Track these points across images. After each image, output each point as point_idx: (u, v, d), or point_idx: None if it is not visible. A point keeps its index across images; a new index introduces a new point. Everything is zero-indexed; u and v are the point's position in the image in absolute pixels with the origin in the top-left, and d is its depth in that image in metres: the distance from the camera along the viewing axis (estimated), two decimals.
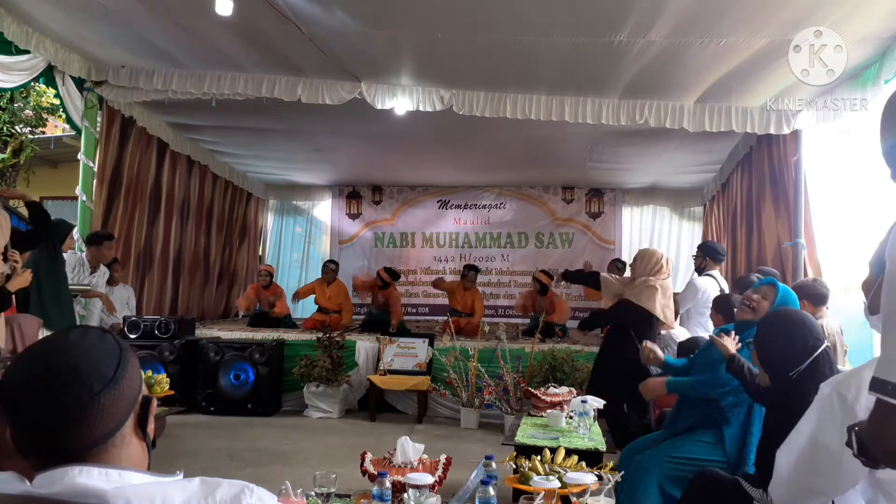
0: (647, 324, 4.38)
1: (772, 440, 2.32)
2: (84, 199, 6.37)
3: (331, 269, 8.32)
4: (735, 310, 4.28)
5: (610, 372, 4.50)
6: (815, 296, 3.92)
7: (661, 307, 4.41)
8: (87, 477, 0.96)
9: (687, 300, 5.31)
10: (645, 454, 2.95)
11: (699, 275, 5.48)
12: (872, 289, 1.58)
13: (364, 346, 6.85)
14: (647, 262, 4.53)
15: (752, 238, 6.85)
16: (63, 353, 1.01)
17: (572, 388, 4.37)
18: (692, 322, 5.24)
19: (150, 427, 1.07)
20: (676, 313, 4.84)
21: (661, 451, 2.91)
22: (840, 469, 1.32)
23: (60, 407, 0.96)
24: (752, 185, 6.89)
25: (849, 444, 1.24)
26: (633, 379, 3.71)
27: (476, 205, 10.61)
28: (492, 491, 2.03)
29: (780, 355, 2.28)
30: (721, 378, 2.87)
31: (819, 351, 2.23)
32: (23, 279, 3.63)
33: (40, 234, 4.39)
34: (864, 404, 1.34)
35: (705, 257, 5.34)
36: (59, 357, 1.00)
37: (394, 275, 8.33)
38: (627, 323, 4.43)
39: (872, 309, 1.58)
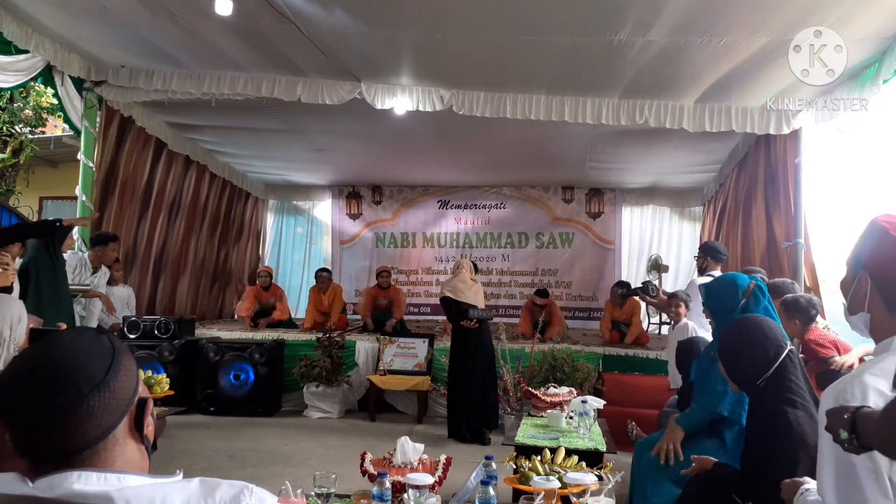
0: None
1: (753, 449, 2.32)
2: (84, 199, 6.36)
3: (324, 277, 8.32)
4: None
5: None
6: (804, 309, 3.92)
7: None
8: (86, 482, 0.95)
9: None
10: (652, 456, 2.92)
11: (701, 275, 5.48)
12: (851, 288, 1.53)
13: (364, 346, 6.86)
14: None
15: (743, 237, 6.88)
16: (53, 352, 1.00)
17: (572, 389, 4.38)
18: (693, 322, 5.24)
19: (149, 429, 1.05)
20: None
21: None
22: (881, 475, 1.30)
23: (47, 407, 0.95)
24: (748, 185, 6.91)
25: (836, 427, 1.21)
26: None
27: (476, 205, 10.60)
28: (492, 491, 2.03)
29: (743, 366, 2.29)
30: (716, 392, 2.84)
31: (783, 357, 2.23)
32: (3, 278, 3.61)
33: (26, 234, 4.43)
34: (873, 407, 1.32)
35: (707, 257, 5.33)
36: (48, 357, 0.99)
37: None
38: None
39: (853, 309, 1.54)
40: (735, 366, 2.34)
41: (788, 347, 2.27)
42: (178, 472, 1.04)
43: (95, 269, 5.84)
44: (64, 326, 2.97)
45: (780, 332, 2.33)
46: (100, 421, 0.97)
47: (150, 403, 1.06)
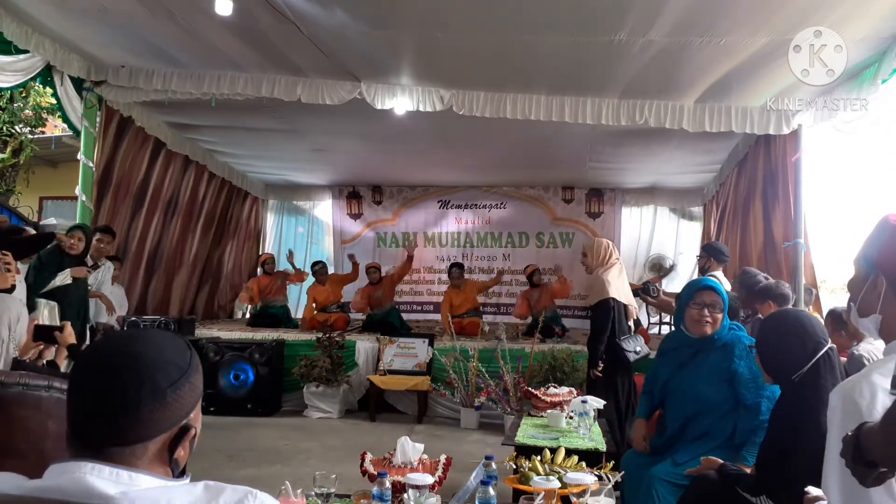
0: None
1: (775, 443, 2.31)
2: (84, 199, 6.35)
3: (318, 270, 8.49)
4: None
5: None
6: (781, 296, 4.08)
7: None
8: (98, 475, 0.95)
9: None
10: (660, 466, 2.86)
11: (702, 275, 5.48)
12: (863, 289, 1.48)
13: (364, 346, 6.86)
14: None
15: (742, 237, 6.90)
16: (138, 347, 1.03)
17: (572, 388, 4.37)
18: None
19: (180, 454, 1.05)
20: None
21: (677, 466, 2.80)
22: None
23: (110, 395, 0.98)
24: (748, 185, 6.92)
25: (845, 453, 1.18)
26: None
27: (476, 205, 10.60)
28: (492, 491, 2.03)
29: (781, 358, 2.25)
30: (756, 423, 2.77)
31: (821, 353, 2.18)
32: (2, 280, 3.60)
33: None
34: (881, 409, 1.28)
35: (710, 258, 5.34)
36: (132, 350, 1.02)
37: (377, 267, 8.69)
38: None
39: (864, 311, 1.49)
40: (771, 358, 2.30)
41: (828, 345, 2.21)
42: (185, 475, 1.04)
43: (95, 265, 5.78)
44: (68, 325, 2.97)
45: (820, 329, 2.27)
46: (146, 427, 0.99)
47: (192, 432, 1.06)
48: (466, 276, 8.89)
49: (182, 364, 1.04)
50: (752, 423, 2.77)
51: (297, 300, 10.12)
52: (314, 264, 8.67)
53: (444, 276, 10.31)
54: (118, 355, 1.01)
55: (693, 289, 3.12)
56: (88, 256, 5.75)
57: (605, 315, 4.54)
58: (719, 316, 2.99)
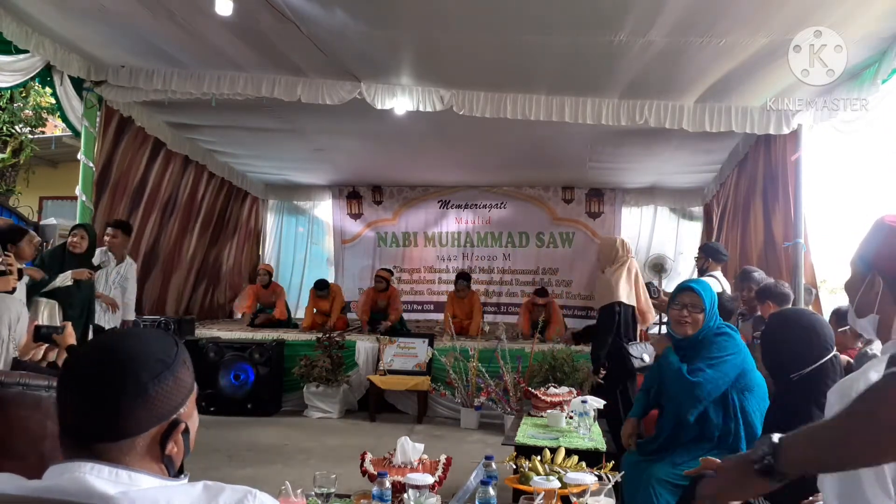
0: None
1: None
2: (84, 199, 6.34)
3: (320, 294, 8.29)
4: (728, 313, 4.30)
5: None
6: (779, 296, 4.08)
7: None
8: (98, 475, 0.96)
9: None
10: (659, 466, 2.86)
11: (701, 276, 5.48)
12: (860, 290, 1.49)
13: (364, 346, 6.86)
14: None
15: (742, 237, 6.90)
16: (124, 341, 1.05)
17: (572, 388, 4.37)
18: None
19: (173, 450, 1.04)
20: None
21: (675, 467, 2.80)
22: (884, 472, 1.28)
23: (93, 391, 0.98)
24: (748, 185, 6.92)
25: (757, 456, 1.16)
26: None
27: (477, 205, 10.59)
28: (492, 491, 2.03)
29: (786, 356, 2.23)
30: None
31: (826, 359, 2.17)
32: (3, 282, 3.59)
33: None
34: None
35: (708, 258, 5.34)
36: (118, 347, 1.03)
37: (389, 272, 8.64)
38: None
39: (861, 311, 1.49)
40: (773, 353, 2.29)
41: (833, 353, 2.20)
42: (183, 475, 1.04)
43: (98, 266, 5.74)
44: (69, 325, 2.97)
45: (830, 337, 2.25)
46: (133, 421, 0.99)
47: (181, 427, 1.06)
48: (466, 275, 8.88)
49: (166, 359, 1.04)
50: (687, 385, 2.80)
51: (297, 300, 10.13)
52: (317, 284, 8.37)
53: (444, 276, 10.36)
54: (102, 352, 1.03)
55: (676, 290, 3.18)
56: (108, 252, 5.71)
57: (610, 319, 4.55)
58: (699, 316, 2.99)
